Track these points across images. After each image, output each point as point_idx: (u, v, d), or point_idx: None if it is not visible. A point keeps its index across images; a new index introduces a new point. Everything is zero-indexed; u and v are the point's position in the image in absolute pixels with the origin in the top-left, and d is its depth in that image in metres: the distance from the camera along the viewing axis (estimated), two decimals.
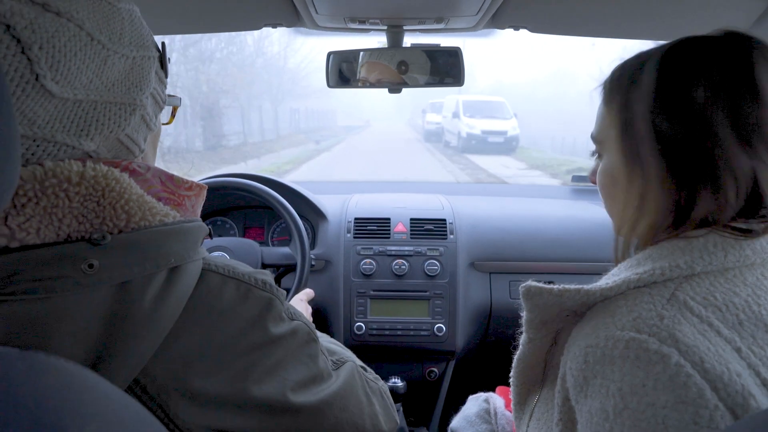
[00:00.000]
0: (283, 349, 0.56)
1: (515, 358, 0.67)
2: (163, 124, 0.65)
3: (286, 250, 1.35)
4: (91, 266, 0.43)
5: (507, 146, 15.00)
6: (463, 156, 14.22)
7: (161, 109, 0.58)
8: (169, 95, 0.63)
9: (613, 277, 0.56)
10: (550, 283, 0.59)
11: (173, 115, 0.68)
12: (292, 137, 19.21)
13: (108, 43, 0.47)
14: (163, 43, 0.58)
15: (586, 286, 0.55)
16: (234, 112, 16.71)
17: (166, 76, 0.59)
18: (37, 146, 0.44)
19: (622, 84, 0.60)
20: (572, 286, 0.56)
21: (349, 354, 0.74)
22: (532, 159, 13.95)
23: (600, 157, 0.66)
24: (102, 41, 0.46)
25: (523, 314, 0.62)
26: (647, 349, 0.46)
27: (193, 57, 14.43)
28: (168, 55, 0.60)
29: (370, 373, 0.78)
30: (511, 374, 0.69)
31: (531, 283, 0.58)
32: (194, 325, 0.49)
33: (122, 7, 0.50)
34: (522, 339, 0.65)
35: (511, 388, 0.70)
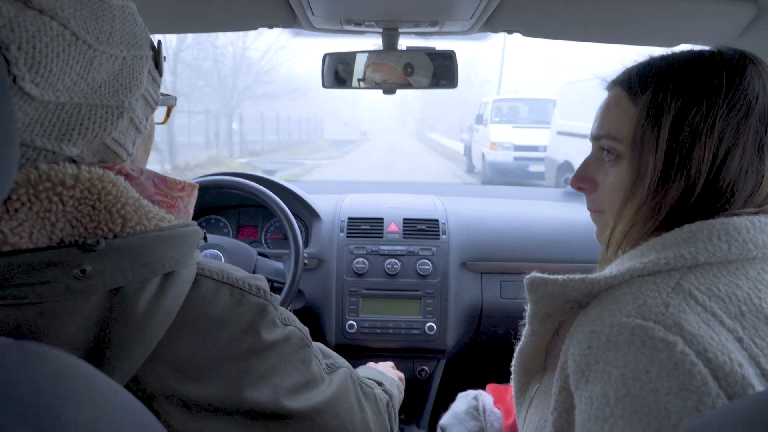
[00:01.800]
0: (277, 355, 0.55)
1: (517, 348, 0.68)
2: (158, 123, 0.63)
3: (279, 266, 1.35)
4: (83, 272, 0.42)
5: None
6: None
7: (153, 110, 0.56)
8: (164, 94, 0.60)
9: (617, 266, 0.57)
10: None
11: (168, 114, 0.66)
12: (224, 161, 12.69)
13: (95, 43, 0.44)
14: (159, 42, 0.56)
15: (590, 276, 0.56)
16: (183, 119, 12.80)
17: (161, 75, 0.57)
18: None
19: (655, 83, 0.59)
20: (576, 276, 0.56)
21: (343, 361, 0.73)
22: None
23: (611, 154, 0.63)
24: (88, 41, 0.44)
25: (527, 307, 0.62)
26: (653, 336, 0.46)
27: None
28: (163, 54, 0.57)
29: (367, 381, 0.77)
30: (513, 364, 0.70)
31: (535, 274, 0.59)
32: (187, 332, 0.48)
33: (114, 4, 0.48)
34: (525, 331, 0.65)
35: (512, 377, 0.71)
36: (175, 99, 0.64)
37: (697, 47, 0.64)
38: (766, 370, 0.45)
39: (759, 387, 0.43)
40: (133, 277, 0.45)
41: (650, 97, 0.58)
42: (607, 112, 0.65)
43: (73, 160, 0.46)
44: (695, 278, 0.51)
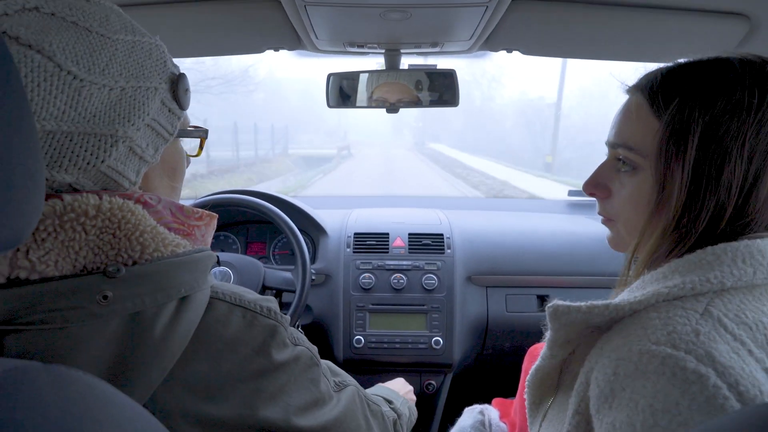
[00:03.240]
0: (287, 374, 0.57)
1: (533, 367, 0.67)
2: (192, 156, 0.65)
3: (288, 275, 1.37)
4: (105, 297, 0.44)
5: None
6: None
7: (165, 140, 0.56)
8: (195, 127, 0.61)
9: (640, 290, 0.56)
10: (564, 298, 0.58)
11: (201, 147, 0.67)
12: None
13: (83, 74, 0.46)
14: (180, 74, 0.57)
15: (614, 301, 0.54)
16: None
17: (181, 108, 0.57)
18: None
19: (680, 96, 0.56)
20: (600, 303, 0.55)
21: (351, 379, 0.74)
22: None
23: (627, 165, 0.61)
24: (73, 72, 0.45)
25: (547, 333, 0.61)
26: (684, 367, 0.44)
27: None
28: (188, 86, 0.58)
29: (374, 398, 0.79)
30: (528, 380, 0.69)
31: (558, 302, 0.57)
32: (202, 353, 0.50)
33: (119, 39, 0.50)
34: (543, 353, 0.64)
35: (526, 391, 0.70)
36: (206, 131, 0.64)
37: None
38: None
39: None
40: (151, 302, 0.47)
41: (675, 111, 0.55)
42: (626, 119, 0.61)
43: (73, 188, 0.48)
44: (723, 304, 0.49)
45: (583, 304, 0.56)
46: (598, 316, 0.55)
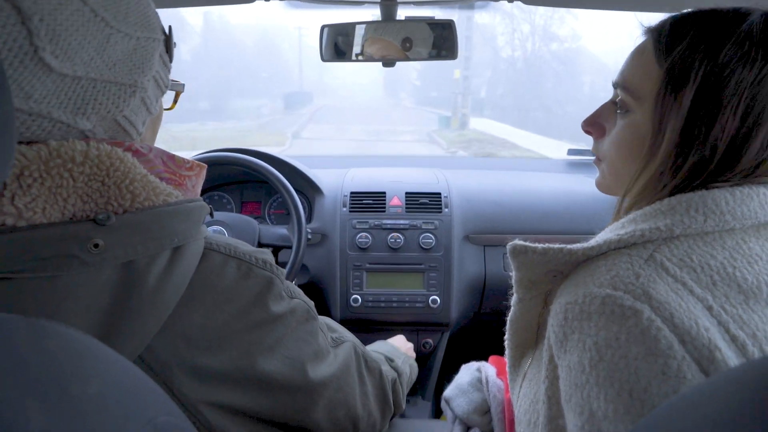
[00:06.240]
0: (283, 326, 0.57)
1: (508, 319, 0.68)
2: (166, 109, 0.65)
3: (283, 230, 1.36)
4: (96, 246, 0.44)
5: None
6: None
7: (163, 93, 0.58)
8: (173, 80, 0.61)
9: (597, 238, 0.57)
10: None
11: (176, 101, 0.67)
12: None
13: (112, 21, 0.46)
14: (170, 27, 0.57)
15: (568, 246, 0.56)
16: None
17: (171, 61, 0.58)
18: (33, 121, 0.44)
19: (687, 42, 0.55)
20: (555, 246, 0.57)
21: (349, 335, 0.75)
22: None
23: (622, 108, 0.62)
24: (106, 18, 0.45)
25: (512, 273, 0.63)
26: (621, 304, 0.48)
27: None
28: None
29: (373, 355, 0.79)
30: (506, 336, 0.70)
31: (517, 241, 0.60)
32: (197, 304, 0.50)
33: None
34: (513, 299, 0.66)
35: (506, 351, 0.71)
36: (183, 86, 0.65)
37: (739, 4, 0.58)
38: (736, 336, 0.46)
39: (726, 350, 0.45)
40: (144, 251, 0.46)
41: (678, 57, 0.55)
42: (630, 60, 0.62)
43: (85, 135, 0.48)
44: (668, 250, 0.52)
45: (540, 245, 0.58)
46: (554, 258, 0.57)
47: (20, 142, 0.44)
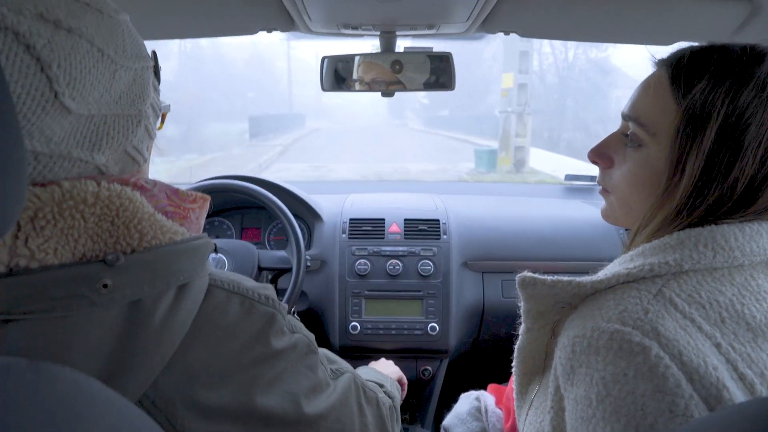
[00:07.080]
0: (285, 361, 0.57)
1: (516, 347, 0.69)
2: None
3: (282, 253, 1.37)
4: (105, 286, 0.44)
5: None
6: None
7: (158, 117, 0.59)
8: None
9: (606, 271, 0.58)
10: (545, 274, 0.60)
11: (162, 120, 0.67)
12: None
13: (116, 57, 0.47)
14: (154, 52, 0.58)
15: (577, 279, 0.57)
16: None
17: (159, 84, 0.59)
18: (54, 162, 0.44)
19: (707, 81, 0.54)
20: (565, 278, 0.57)
21: (348, 366, 0.75)
22: None
23: (634, 141, 0.60)
24: (110, 55, 0.47)
25: (521, 304, 0.63)
26: (630, 340, 0.47)
27: None
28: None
29: (370, 385, 0.79)
30: (513, 364, 0.70)
31: (526, 273, 0.60)
32: (201, 341, 0.50)
33: (121, 19, 0.50)
34: (521, 328, 0.66)
35: (513, 378, 0.71)
36: (169, 106, 0.66)
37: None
38: (744, 375, 0.46)
39: (734, 389, 0.45)
40: (150, 290, 0.47)
41: (698, 95, 0.54)
42: (644, 93, 0.60)
43: (100, 171, 0.49)
44: (677, 285, 0.52)
45: (549, 277, 0.58)
46: (563, 291, 0.57)
47: (34, 184, 0.45)
